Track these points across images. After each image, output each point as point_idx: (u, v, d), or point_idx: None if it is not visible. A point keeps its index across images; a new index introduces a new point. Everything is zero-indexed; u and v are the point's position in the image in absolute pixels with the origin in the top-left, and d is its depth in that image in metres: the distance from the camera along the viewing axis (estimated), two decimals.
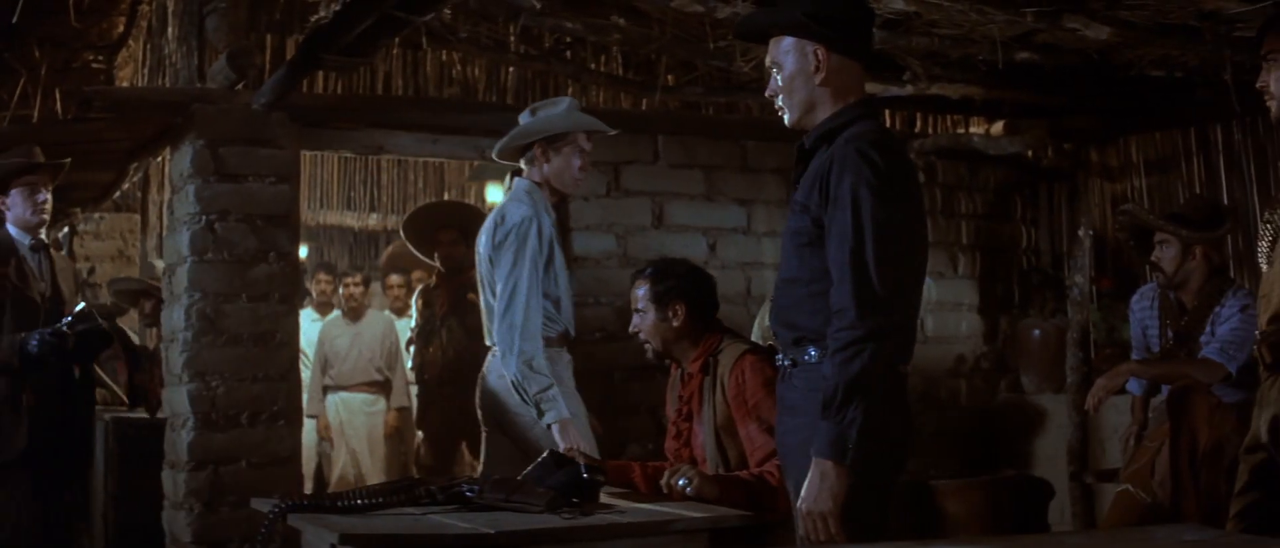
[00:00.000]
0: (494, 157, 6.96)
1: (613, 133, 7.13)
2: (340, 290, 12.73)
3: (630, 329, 5.90)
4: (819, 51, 4.42)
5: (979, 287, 9.76)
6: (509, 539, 4.57)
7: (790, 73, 4.46)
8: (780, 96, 4.51)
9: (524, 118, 6.82)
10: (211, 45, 7.96)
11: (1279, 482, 4.67)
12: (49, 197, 7.66)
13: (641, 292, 5.83)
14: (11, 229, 7.54)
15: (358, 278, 12.80)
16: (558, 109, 6.80)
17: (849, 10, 4.53)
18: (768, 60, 4.56)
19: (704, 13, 7.04)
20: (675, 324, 5.74)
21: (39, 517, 7.42)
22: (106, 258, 14.29)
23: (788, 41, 4.48)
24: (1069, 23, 6.89)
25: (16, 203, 7.53)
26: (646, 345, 5.85)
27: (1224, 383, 6.80)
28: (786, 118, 4.53)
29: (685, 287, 5.81)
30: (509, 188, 6.76)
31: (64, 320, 7.23)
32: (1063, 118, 9.41)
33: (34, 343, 7.13)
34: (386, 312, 13.15)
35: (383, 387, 12.31)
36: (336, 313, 12.69)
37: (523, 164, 6.76)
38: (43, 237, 7.71)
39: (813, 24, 4.41)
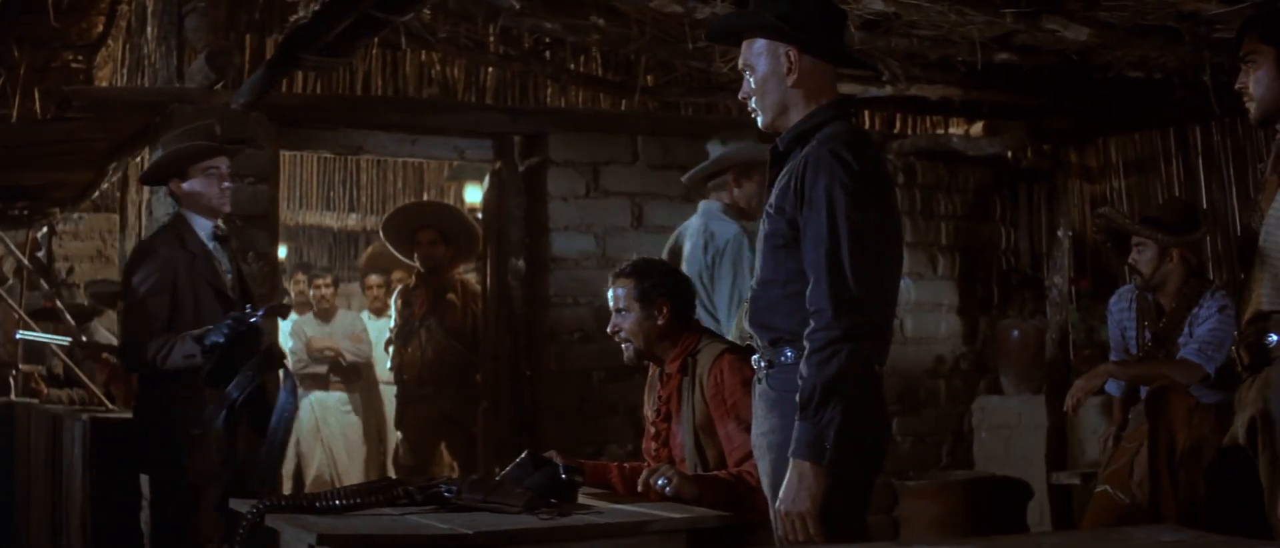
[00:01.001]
0: (683, 181, 7.63)
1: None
2: (311, 291, 12.76)
3: (609, 329, 5.87)
4: (791, 53, 4.42)
5: (958, 287, 9.77)
6: (486, 540, 4.56)
7: (763, 74, 4.46)
8: (753, 99, 4.51)
9: (714, 148, 7.43)
10: (190, 45, 7.96)
11: (1257, 483, 4.67)
12: (230, 180, 7.04)
13: (622, 291, 5.79)
14: (190, 216, 6.90)
15: (328, 278, 12.88)
16: (747, 142, 7.50)
17: (821, 12, 4.53)
18: (740, 62, 4.56)
19: (683, 14, 7.04)
20: (660, 323, 5.72)
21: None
22: (85, 258, 14.27)
23: (760, 43, 4.47)
24: (1048, 24, 6.90)
25: (197, 189, 6.86)
26: (627, 346, 5.81)
27: (1202, 384, 6.81)
28: (760, 120, 4.53)
29: (669, 285, 5.80)
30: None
31: (257, 313, 6.63)
32: (1042, 119, 9.43)
33: (220, 335, 6.46)
34: (363, 312, 13.17)
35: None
36: (309, 313, 12.72)
37: (711, 188, 7.51)
38: (222, 225, 7.09)
39: (784, 25, 4.41)
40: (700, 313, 6.86)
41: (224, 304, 6.81)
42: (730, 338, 6.63)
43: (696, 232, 7.24)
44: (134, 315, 6.82)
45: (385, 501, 5.03)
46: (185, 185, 6.86)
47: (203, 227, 6.89)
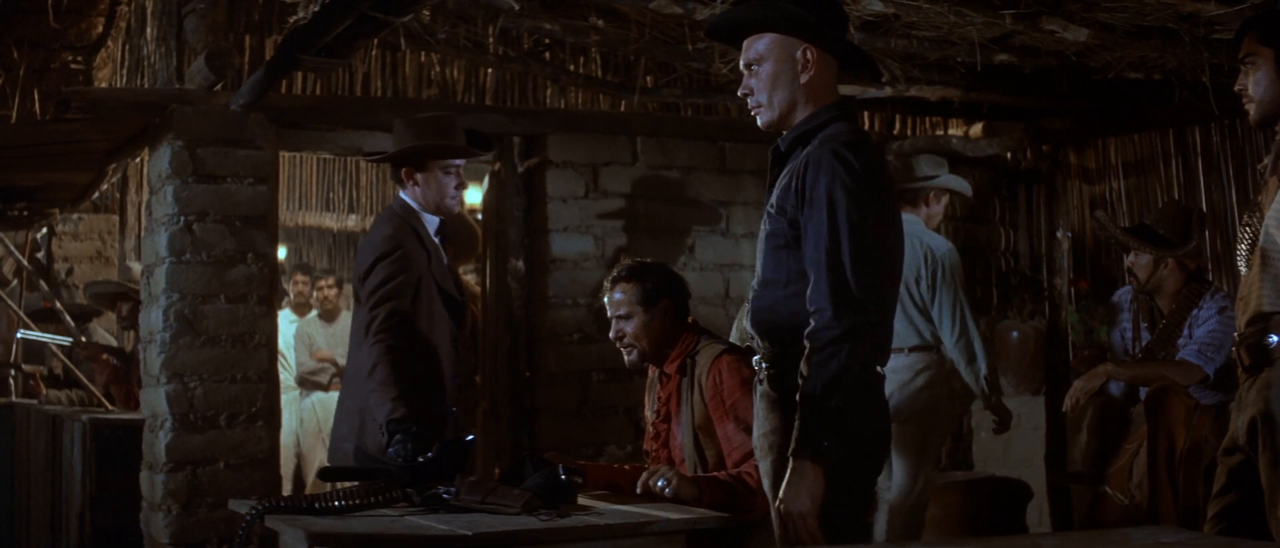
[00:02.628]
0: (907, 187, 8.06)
1: (969, 194, 8.53)
2: (315, 293, 12.79)
3: (613, 335, 5.84)
4: (809, 51, 4.41)
5: None
6: (485, 541, 4.56)
7: (772, 72, 4.45)
8: (756, 96, 4.50)
9: (928, 164, 8.14)
10: (190, 46, 7.95)
11: (1257, 484, 4.67)
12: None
13: (622, 296, 5.76)
14: (419, 211, 6.78)
15: (331, 279, 12.91)
16: (944, 167, 8.24)
17: (829, 11, 4.52)
18: (743, 59, 4.54)
19: (682, 15, 7.03)
20: (664, 323, 5.72)
21: None
22: (84, 259, 14.26)
23: (770, 39, 4.45)
24: (1047, 25, 6.90)
25: (431, 184, 6.76)
26: (631, 350, 5.79)
27: (1201, 385, 6.81)
28: (762, 118, 4.51)
29: (669, 284, 5.81)
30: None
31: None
32: (1041, 120, 9.43)
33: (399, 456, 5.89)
34: None
35: None
36: (314, 313, 12.76)
37: (906, 201, 7.93)
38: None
39: (811, 18, 4.40)
40: (905, 319, 7.66)
41: (450, 307, 6.75)
42: (732, 340, 6.66)
43: (916, 241, 7.71)
44: (385, 308, 6.44)
45: (384, 502, 5.04)
46: (419, 177, 6.77)
47: (430, 223, 6.78)
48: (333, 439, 6.87)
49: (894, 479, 7.94)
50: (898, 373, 7.67)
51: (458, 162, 6.84)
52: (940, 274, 7.73)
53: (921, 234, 7.82)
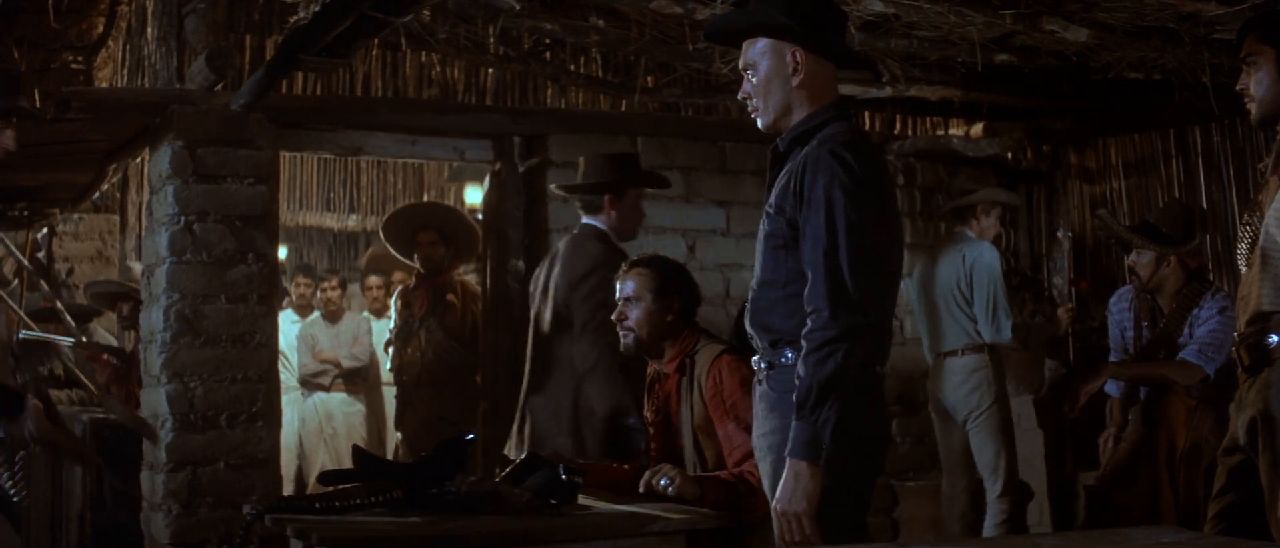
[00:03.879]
0: (948, 206, 8.90)
1: (1017, 204, 9.25)
2: (318, 294, 12.81)
3: (614, 316, 5.87)
4: (797, 53, 4.41)
5: None
6: (485, 540, 4.57)
7: (766, 75, 4.45)
8: (754, 99, 4.50)
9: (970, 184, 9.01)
10: (190, 46, 7.94)
11: (1257, 484, 4.67)
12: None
13: (637, 282, 5.78)
14: (609, 233, 7.11)
15: (335, 281, 12.94)
16: (1003, 189, 9.01)
17: (824, 12, 4.52)
18: (741, 62, 4.54)
19: (683, 15, 7.04)
20: (668, 318, 5.73)
21: None
22: (85, 259, 14.24)
23: (763, 43, 4.46)
24: (1047, 25, 6.90)
25: (628, 212, 7.16)
26: (629, 335, 5.81)
27: (1202, 385, 6.81)
28: (760, 121, 4.52)
29: (683, 282, 5.83)
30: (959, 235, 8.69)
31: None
32: (1041, 120, 9.43)
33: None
34: (364, 313, 13.20)
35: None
36: (317, 314, 12.78)
37: (956, 218, 8.75)
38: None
39: (793, 24, 4.40)
40: (949, 324, 8.43)
41: None
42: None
43: (952, 253, 8.49)
44: (603, 314, 6.65)
45: (385, 502, 5.04)
46: (618, 204, 7.10)
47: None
48: (540, 436, 7.07)
49: (986, 485, 8.05)
50: (953, 375, 8.39)
51: (644, 194, 7.29)
52: (976, 273, 8.31)
53: (966, 244, 8.49)
